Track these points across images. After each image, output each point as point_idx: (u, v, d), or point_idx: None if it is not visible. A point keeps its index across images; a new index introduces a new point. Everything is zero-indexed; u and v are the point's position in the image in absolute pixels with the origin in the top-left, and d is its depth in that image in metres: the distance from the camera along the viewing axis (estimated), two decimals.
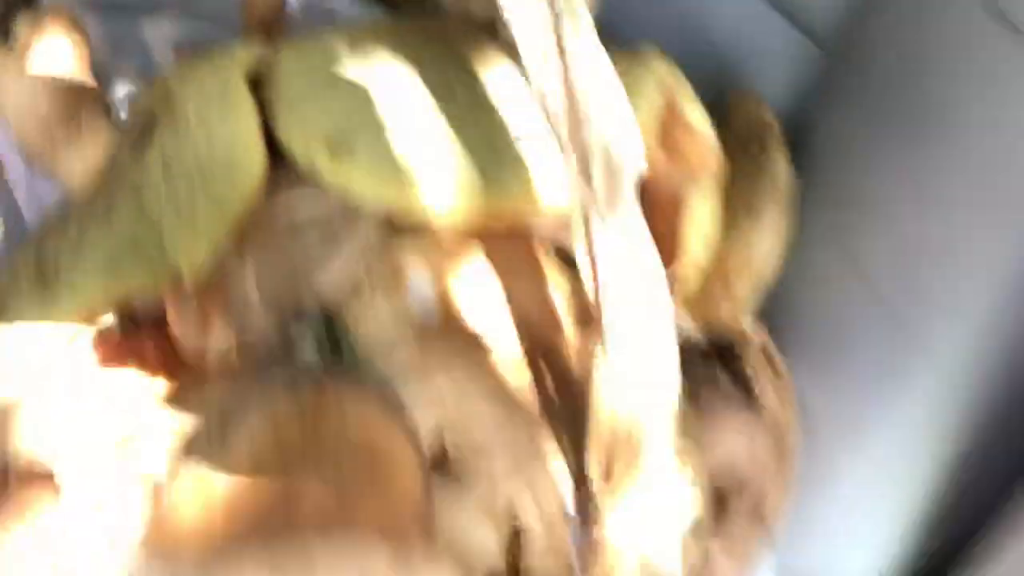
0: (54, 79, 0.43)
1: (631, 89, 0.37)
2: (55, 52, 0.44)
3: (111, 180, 0.42)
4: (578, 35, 0.34)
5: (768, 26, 0.54)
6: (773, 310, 0.51)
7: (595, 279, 0.34)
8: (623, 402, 0.34)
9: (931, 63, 0.45)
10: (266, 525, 0.30)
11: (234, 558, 0.30)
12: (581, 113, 0.34)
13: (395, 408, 0.35)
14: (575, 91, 0.34)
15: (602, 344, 0.34)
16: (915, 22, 0.45)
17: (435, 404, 0.36)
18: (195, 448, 0.33)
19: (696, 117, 0.43)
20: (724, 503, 0.45)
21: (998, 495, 0.44)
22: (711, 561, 0.43)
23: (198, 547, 0.30)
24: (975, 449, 0.46)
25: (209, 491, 0.31)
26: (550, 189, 0.40)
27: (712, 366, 0.51)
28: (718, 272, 0.51)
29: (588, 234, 0.34)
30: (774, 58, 0.54)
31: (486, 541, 0.36)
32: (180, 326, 0.40)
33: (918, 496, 0.48)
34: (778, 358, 0.51)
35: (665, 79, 0.42)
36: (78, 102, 0.43)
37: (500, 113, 0.41)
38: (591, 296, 0.34)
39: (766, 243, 0.50)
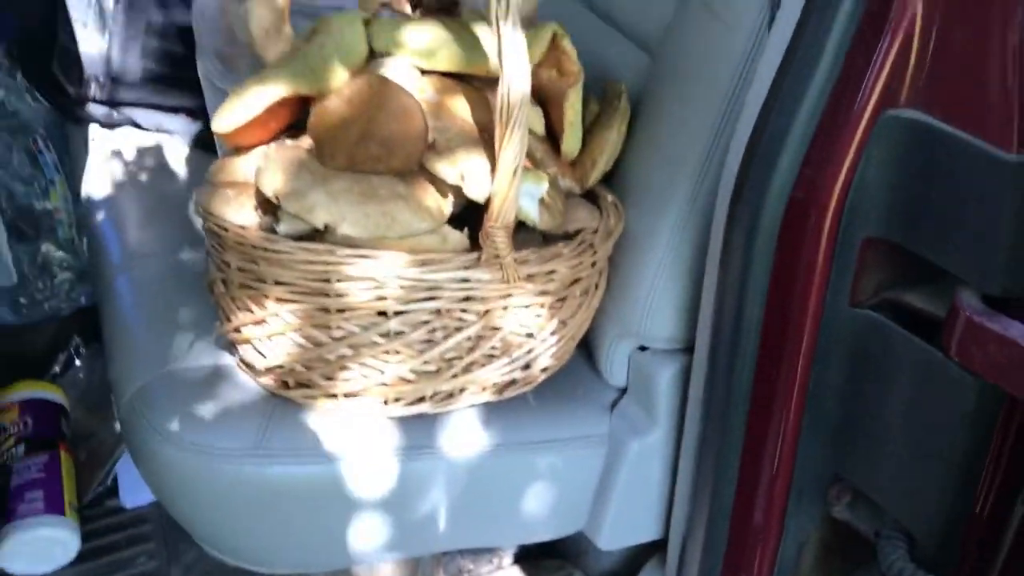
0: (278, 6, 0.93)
1: (536, 37, 0.86)
2: None
3: (296, 49, 0.90)
4: (506, 16, 0.83)
5: (617, 41, 1.05)
6: (616, 175, 0.98)
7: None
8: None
9: (679, 47, 0.95)
10: (362, 115, 0.76)
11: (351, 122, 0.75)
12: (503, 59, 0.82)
13: (414, 100, 0.81)
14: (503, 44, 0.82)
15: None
16: (679, 23, 0.96)
17: (439, 106, 0.82)
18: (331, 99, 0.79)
19: (571, 51, 0.92)
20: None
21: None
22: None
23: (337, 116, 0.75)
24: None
25: (336, 104, 0.77)
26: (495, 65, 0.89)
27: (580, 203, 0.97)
28: (587, 154, 0.98)
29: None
30: (624, 57, 1.04)
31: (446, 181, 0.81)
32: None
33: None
34: (614, 198, 0.96)
35: (555, 31, 0.92)
36: (283, 20, 0.93)
37: (474, 33, 0.90)
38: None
39: (613, 139, 0.97)
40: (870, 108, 0.73)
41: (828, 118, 0.75)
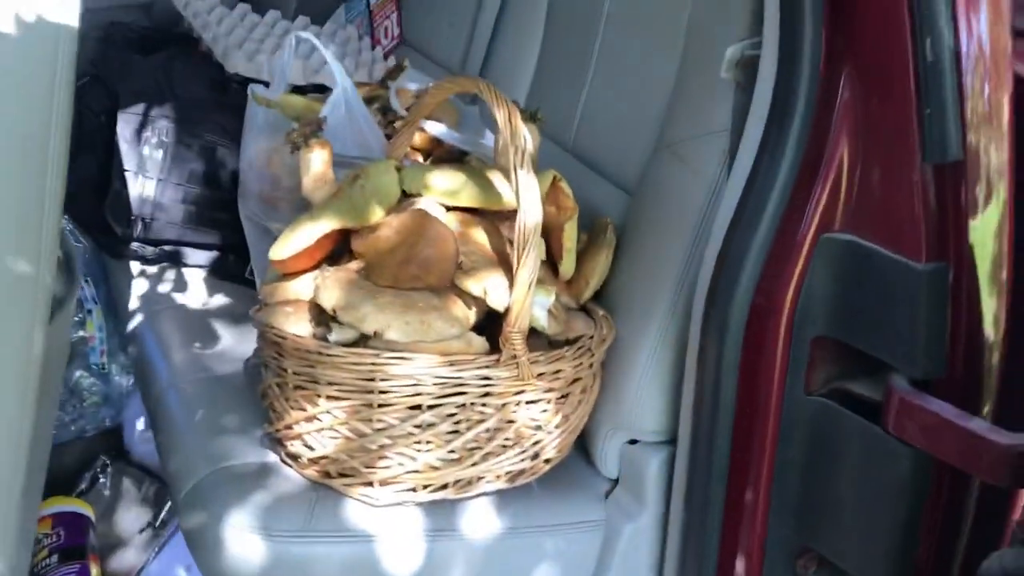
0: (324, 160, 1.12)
1: (540, 180, 1.07)
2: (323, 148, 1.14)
3: (341, 190, 1.09)
4: (522, 163, 1.03)
5: (601, 184, 1.25)
6: (606, 292, 1.16)
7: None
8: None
9: (655, 188, 1.15)
10: (405, 242, 0.94)
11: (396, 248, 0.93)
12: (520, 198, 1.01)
13: (448, 229, 0.99)
14: (520, 186, 1.01)
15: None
16: (653, 169, 1.16)
17: (464, 235, 1.00)
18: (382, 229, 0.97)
19: (568, 191, 1.12)
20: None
21: None
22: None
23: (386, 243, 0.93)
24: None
25: (386, 233, 0.95)
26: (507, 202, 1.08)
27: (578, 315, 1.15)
28: (581, 275, 1.16)
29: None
30: (608, 197, 1.24)
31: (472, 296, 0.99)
32: (357, 237, 1.05)
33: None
34: (604, 312, 1.14)
35: (555, 175, 1.12)
36: (328, 169, 1.12)
37: (487, 176, 1.10)
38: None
39: (603, 263, 1.16)
40: (811, 232, 0.93)
41: (779, 240, 0.95)
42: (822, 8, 0.87)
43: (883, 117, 0.87)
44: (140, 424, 1.69)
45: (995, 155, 0.89)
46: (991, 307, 0.93)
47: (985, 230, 0.90)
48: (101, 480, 1.63)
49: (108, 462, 1.64)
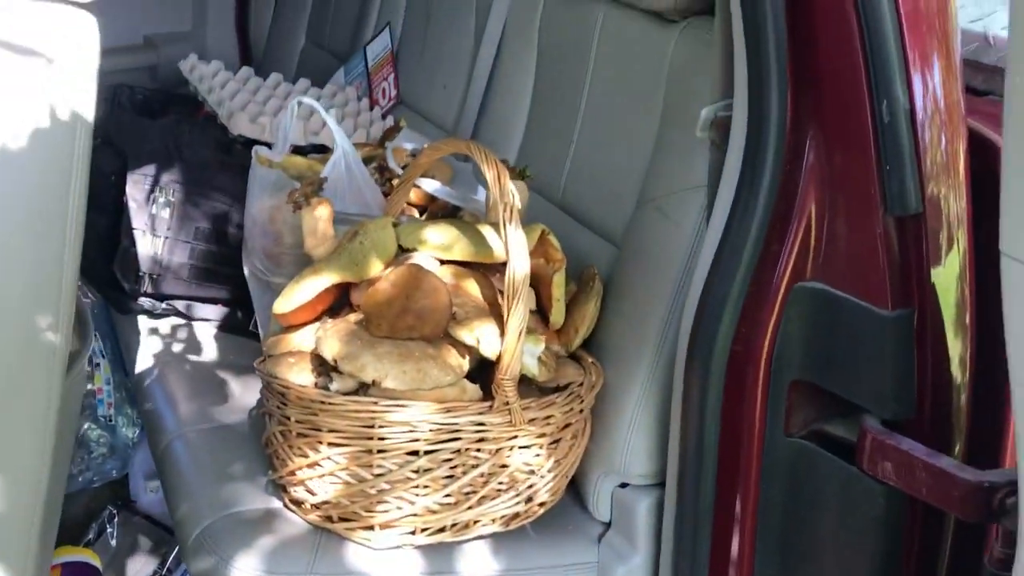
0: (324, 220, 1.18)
1: (529, 233, 1.12)
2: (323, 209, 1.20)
3: (341, 245, 1.15)
4: (511, 219, 1.09)
5: (587, 235, 1.31)
6: (594, 340, 1.21)
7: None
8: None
9: (639, 240, 1.21)
10: (401, 294, 1.00)
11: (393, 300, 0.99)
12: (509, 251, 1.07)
13: (441, 282, 1.05)
14: (508, 240, 1.08)
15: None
16: (637, 222, 1.22)
17: (457, 287, 1.06)
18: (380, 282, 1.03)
19: (556, 244, 1.18)
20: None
21: None
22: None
23: (384, 295, 0.99)
24: None
25: (384, 286, 1.00)
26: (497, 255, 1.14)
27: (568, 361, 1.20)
28: (570, 323, 1.21)
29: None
30: (594, 248, 1.30)
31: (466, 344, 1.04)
32: (356, 290, 1.11)
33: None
34: (593, 359, 1.20)
35: (543, 229, 1.17)
36: (329, 226, 1.18)
37: (478, 231, 1.16)
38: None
39: (591, 312, 1.21)
40: (784, 281, 0.99)
41: (754, 289, 1.00)
42: (787, 74, 0.93)
43: (847, 173, 0.93)
44: (145, 475, 1.73)
45: (954, 204, 0.95)
46: (957, 350, 0.98)
47: (948, 276, 0.96)
48: (108, 530, 1.67)
49: (115, 512, 1.68)
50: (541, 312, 1.21)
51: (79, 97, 0.84)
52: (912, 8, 0.89)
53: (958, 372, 0.99)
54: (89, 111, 0.85)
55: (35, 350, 0.84)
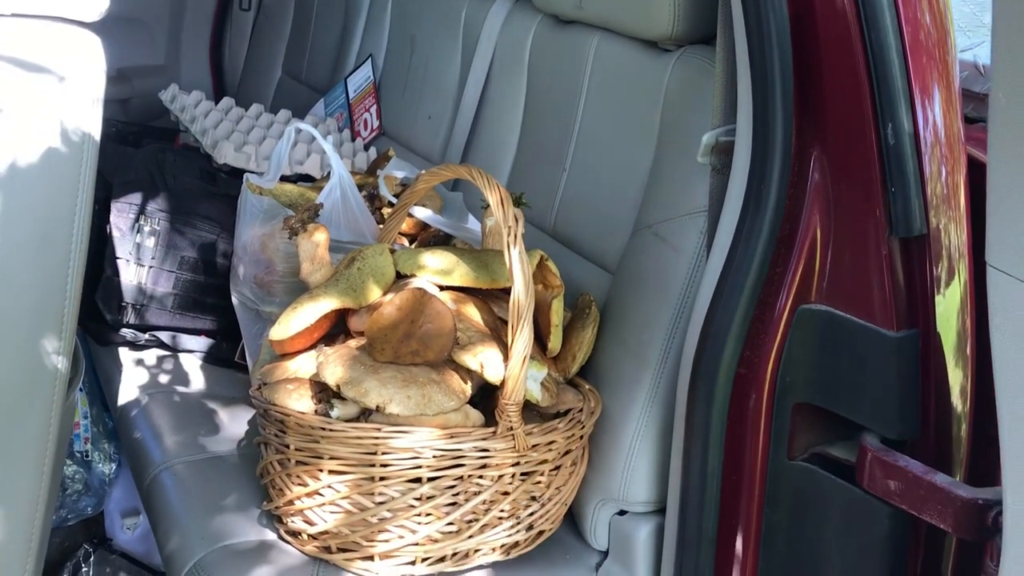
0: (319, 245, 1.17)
1: (530, 257, 1.12)
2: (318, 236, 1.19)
3: (338, 272, 1.14)
4: (515, 243, 1.09)
5: (581, 263, 1.31)
6: (591, 367, 1.21)
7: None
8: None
9: (636, 266, 1.21)
10: (406, 318, 0.99)
11: (398, 324, 0.98)
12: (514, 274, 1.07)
13: (446, 306, 1.04)
14: (513, 264, 1.08)
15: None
16: (634, 248, 1.23)
17: (458, 312, 1.05)
18: (384, 307, 1.02)
19: (554, 270, 1.18)
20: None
21: None
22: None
23: (389, 319, 0.98)
24: None
25: (389, 310, 0.99)
26: (496, 280, 1.13)
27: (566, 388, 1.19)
28: (568, 350, 1.21)
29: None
30: (588, 275, 1.30)
31: (468, 370, 1.03)
32: (354, 316, 1.09)
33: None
34: (590, 386, 1.19)
35: (542, 255, 1.17)
36: (325, 253, 1.17)
37: (477, 257, 1.15)
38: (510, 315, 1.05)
39: (588, 338, 1.21)
40: (789, 304, 0.99)
41: (759, 313, 1.01)
42: (792, 99, 0.95)
43: (851, 196, 0.95)
44: (122, 512, 1.69)
45: (955, 236, 0.97)
46: (958, 379, 0.99)
47: (949, 306, 0.97)
48: (84, 569, 1.62)
49: (91, 551, 1.63)
50: (538, 339, 1.20)
51: (87, 116, 0.82)
52: (914, 38, 0.91)
53: (959, 401, 1.00)
54: (96, 130, 0.84)
55: (39, 377, 0.82)
